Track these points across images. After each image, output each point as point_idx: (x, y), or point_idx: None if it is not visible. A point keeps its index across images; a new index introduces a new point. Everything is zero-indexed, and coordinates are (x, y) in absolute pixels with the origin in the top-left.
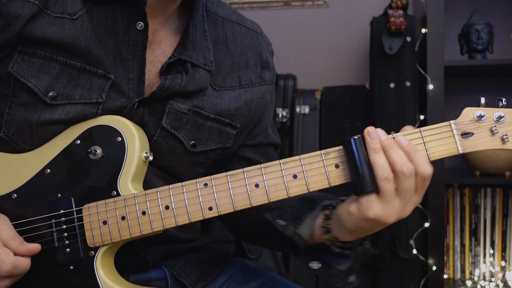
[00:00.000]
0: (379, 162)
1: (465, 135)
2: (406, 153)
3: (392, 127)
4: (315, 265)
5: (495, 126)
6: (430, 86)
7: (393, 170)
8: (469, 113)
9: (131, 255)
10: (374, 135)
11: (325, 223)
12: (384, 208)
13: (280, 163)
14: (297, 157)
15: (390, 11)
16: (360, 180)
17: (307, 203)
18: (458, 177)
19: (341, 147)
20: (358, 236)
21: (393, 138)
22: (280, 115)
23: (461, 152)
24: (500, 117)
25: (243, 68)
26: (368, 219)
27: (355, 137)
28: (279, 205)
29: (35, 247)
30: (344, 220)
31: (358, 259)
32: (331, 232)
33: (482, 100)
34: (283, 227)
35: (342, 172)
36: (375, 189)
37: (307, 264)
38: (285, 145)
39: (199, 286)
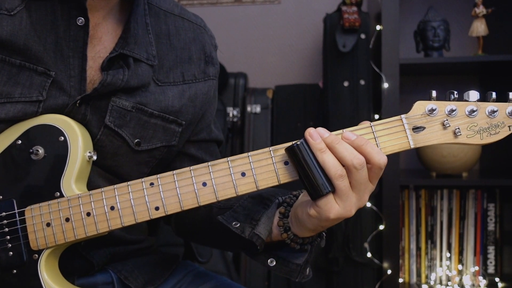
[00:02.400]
0: (329, 160)
1: (416, 129)
2: (356, 147)
3: (346, 127)
4: (271, 262)
5: (447, 120)
6: (385, 85)
7: (344, 165)
8: (420, 106)
9: (75, 258)
10: (316, 135)
11: (282, 222)
12: (343, 205)
13: (228, 161)
14: (245, 154)
15: (344, 8)
16: (314, 184)
17: (260, 201)
18: (413, 178)
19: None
20: (319, 231)
21: (341, 134)
22: (231, 115)
23: (412, 146)
24: (452, 110)
25: (186, 63)
26: (329, 219)
27: (298, 142)
28: (230, 205)
29: None
30: (304, 222)
31: (313, 252)
32: (290, 230)
33: (434, 93)
34: (239, 229)
35: (291, 169)
36: (332, 189)
37: (264, 263)
38: (236, 145)
39: None
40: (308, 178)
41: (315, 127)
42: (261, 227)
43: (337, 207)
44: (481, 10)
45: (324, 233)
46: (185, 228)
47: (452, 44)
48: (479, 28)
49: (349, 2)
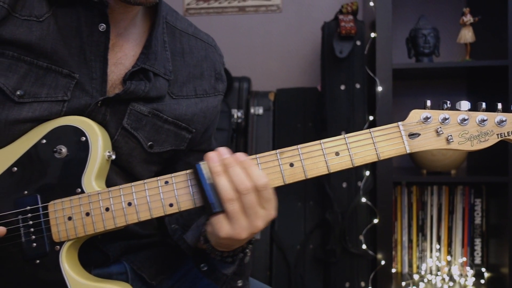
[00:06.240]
0: (222, 184)
1: (412, 135)
2: (243, 169)
3: (342, 128)
4: (203, 267)
5: (440, 127)
6: (379, 88)
7: (235, 189)
8: (416, 115)
9: (93, 251)
10: (215, 158)
11: (205, 233)
12: (232, 227)
13: None
14: (253, 156)
15: (341, 16)
16: (208, 202)
17: (199, 210)
18: (406, 175)
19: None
20: (229, 248)
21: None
22: (235, 116)
23: (408, 151)
24: (445, 118)
25: (198, 78)
26: (220, 237)
27: (201, 163)
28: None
29: (1, 230)
30: (208, 236)
31: (244, 266)
32: (209, 242)
33: (428, 102)
34: (173, 231)
35: (298, 170)
36: (221, 210)
37: (197, 266)
38: (240, 144)
39: (158, 280)
40: (204, 196)
41: (314, 129)
42: (189, 233)
43: (227, 227)
44: (468, 18)
45: (248, 251)
46: (160, 223)
47: (441, 50)
48: (467, 35)
49: (346, 11)
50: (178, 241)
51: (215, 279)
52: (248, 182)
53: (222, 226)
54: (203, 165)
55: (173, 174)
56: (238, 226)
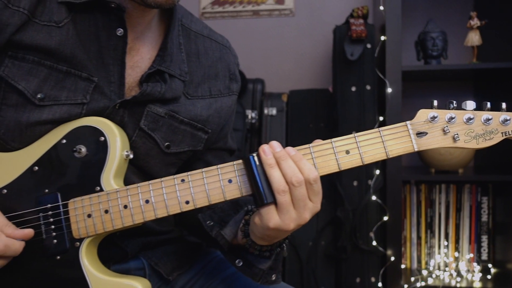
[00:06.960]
0: (275, 176)
1: (420, 134)
2: (295, 163)
3: (353, 128)
4: (239, 263)
5: (447, 126)
6: (389, 90)
7: (286, 182)
8: (423, 114)
9: (111, 247)
10: (268, 151)
11: (244, 228)
12: (282, 218)
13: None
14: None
15: (352, 20)
16: (260, 193)
17: (234, 207)
18: (414, 174)
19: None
20: (271, 241)
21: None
22: (250, 117)
23: (416, 149)
24: (452, 118)
25: (213, 79)
26: (269, 228)
27: (254, 154)
28: (213, 207)
29: (29, 231)
30: (253, 229)
31: (279, 260)
32: (249, 237)
33: (435, 102)
34: (209, 227)
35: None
36: (273, 201)
37: (232, 262)
38: (254, 144)
39: (174, 275)
40: (257, 187)
41: (326, 129)
42: (227, 229)
43: (276, 218)
44: (475, 22)
45: (285, 245)
46: (182, 219)
47: (449, 53)
48: (474, 38)
49: (356, 15)
50: (216, 237)
51: (251, 275)
52: (300, 175)
53: (272, 217)
54: (255, 158)
55: (189, 173)
56: (288, 217)
